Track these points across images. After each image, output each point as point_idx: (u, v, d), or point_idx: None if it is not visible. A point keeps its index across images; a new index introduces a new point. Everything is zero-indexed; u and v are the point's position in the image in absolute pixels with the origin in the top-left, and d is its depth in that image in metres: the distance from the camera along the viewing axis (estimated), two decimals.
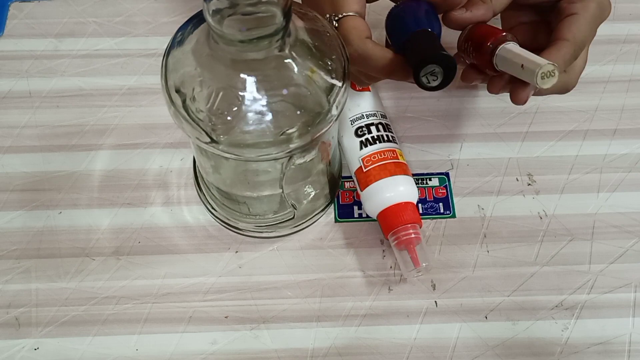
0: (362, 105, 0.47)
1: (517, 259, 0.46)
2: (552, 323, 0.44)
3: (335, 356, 0.43)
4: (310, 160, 0.41)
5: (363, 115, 0.47)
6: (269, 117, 0.35)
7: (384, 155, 0.45)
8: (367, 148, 0.46)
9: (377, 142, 0.46)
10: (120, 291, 0.45)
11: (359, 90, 0.48)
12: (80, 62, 0.53)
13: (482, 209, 0.48)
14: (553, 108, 0.52)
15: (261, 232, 0.46)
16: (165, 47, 0.37)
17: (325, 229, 0.47)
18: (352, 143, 0.46)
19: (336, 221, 0.48)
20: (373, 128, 0.46)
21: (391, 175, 0.45)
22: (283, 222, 0.45)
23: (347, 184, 0.49)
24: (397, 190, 0.44)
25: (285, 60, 0.35)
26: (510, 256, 0.47)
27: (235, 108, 0.35)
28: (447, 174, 0.49)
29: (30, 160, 0.49)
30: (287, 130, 0.35)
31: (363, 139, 0.46)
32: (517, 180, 0.49)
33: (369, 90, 0.48)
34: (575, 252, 0.47)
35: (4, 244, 0.47)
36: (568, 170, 0.50)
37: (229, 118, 0.35)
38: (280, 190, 0.42)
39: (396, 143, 0.47)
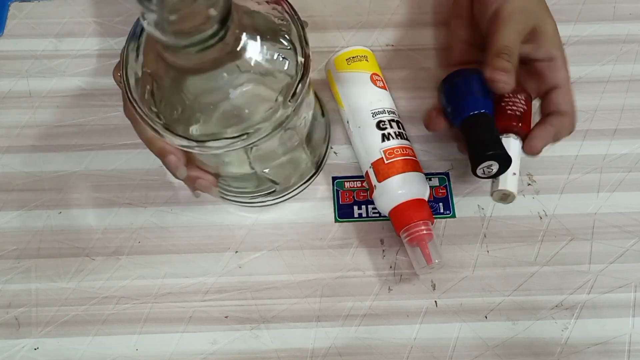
0: (383, 101, 0.48)
1: (517, 259, 0.46)
2: (552, 323, 0.44)
3: (335, 356, 0.43)
4: (280, 143, 0.40)
5: (385, 110, 0.47)
6: (223, 113, 0.35)
7: (406, 151, 0.46)
8: (389, 141, 0.46)
9: (399, 138, 0.46)
10: (120, 291, 0.45)
11: (380, 88, 0.48)
12: (80, 62, 0.53)
13: (482, 209, 0.48)
14: None
15: (245, 201, 0.47)
16: None
17: (325, 229, 0.47)
18: (372, 134, 0.46)
19: (336, 221, 0.48)
20: (394, 124, 0.47)
21: (412, 170, 0.45)
22: (265, 194, 0.46)
23: (347, 184, 0.49)
24: (415, 186, 0.45)
25: (235, 59, 0.34)
26: (510, 256, 0.47)
27: (182, 109, 0.35)
28: (447, 174, 0.49)
29: (30, 160, 0.49)
30: (243, 125, 0.35)
31: (385, 132, 0.46)
32: None
33: (386, 89, 0.49)
34: (575, 252, 0.47)
35: (4, 244, 0.47)
36: (568, 170, 0.50)
37: (180, 115, 0.35)
38: (252, 170, 0.42)
39: (411, 143, 0.47)
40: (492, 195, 0.45)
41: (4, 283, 0.45)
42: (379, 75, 0.49)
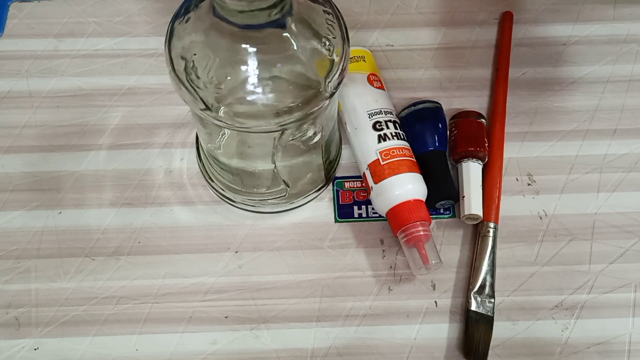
0: (380, 101, 0.48)
1: (517, 259, 0.46)
2: (552, 323, 0.44)
3: (335, 356, 0.43)
4: (305, 138, 0.41)
5: (381, 111, 0.47)
6: (263, 89, 0.36)
7: (402, 151, 0.46)
8: (385, 142, 0.46)
9: (395, 138, 0.46)
10: (120, 291, 0.45)
11: (377, 88, 0.48)
12: (80, 62, 0.53)
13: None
14: (553, 108, 0.52)
15: (254, 205, 0.46)
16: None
17: (325, 229, 0.47)
18: (368, 136, 0.46)
19: (336, 221, 0.48)
20: (390, 125, 0.47)
21: (409, 171, 0.45)
22: (276, 198, 0.46)
23: (346, 184, 0.49)
24: (412, 187, 0.44)
25: (284, 35, 0.35)
26: (510, 256, 0.47)
27: (230, 78, 0.36)
28: None
29: (30, 160, 0.49)
30: (280, 103, 0.36)
31: (381, 133, 0.46)
32: (517, 180, 0.49)
33: (384, 89, 0.49)
34: (575, 252, 0.47)
35: (4, 244, 0.47)
36: (568, 170, 0.50)
37: (222, 87, 0.36)
38: (273, 166, 0.42)
39: (408, 143, 0.47)
40: (461, 219, 0.47)
41: (4, 283, 0.45)
42: (376, 76, 0.49)
